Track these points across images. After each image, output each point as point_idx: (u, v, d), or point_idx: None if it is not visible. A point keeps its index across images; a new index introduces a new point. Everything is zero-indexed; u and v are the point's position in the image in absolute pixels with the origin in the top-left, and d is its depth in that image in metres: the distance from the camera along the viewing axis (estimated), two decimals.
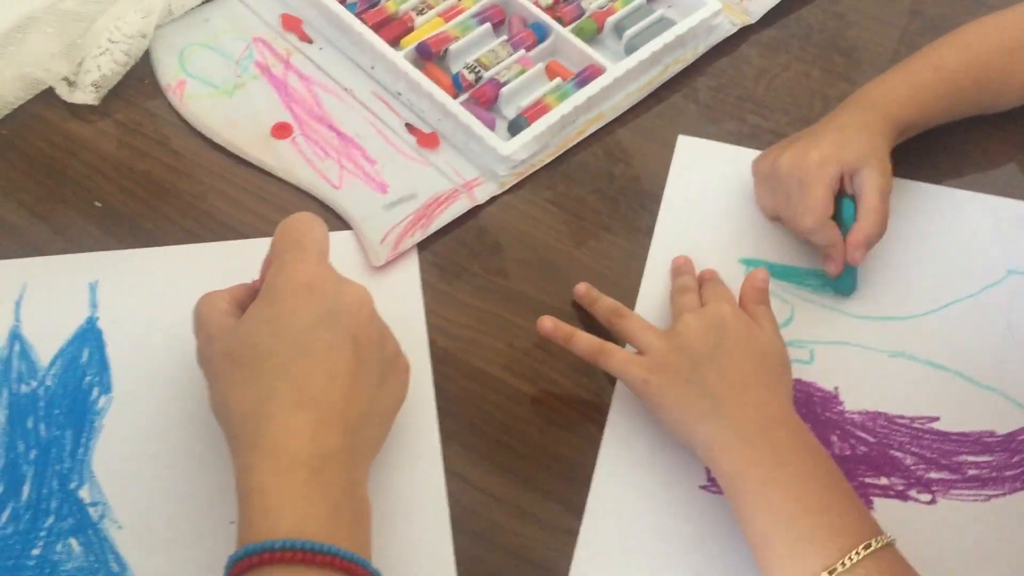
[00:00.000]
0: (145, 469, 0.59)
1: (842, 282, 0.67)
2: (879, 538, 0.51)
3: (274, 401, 0.50)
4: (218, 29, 0.80)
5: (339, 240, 0.60)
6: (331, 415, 0.50)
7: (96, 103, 0.75)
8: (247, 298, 0.55)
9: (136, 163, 0.73)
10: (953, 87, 0.70)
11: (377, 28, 0.78)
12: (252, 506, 0.48)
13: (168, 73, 0.77)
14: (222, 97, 0.76)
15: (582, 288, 0.66)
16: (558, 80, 0.76)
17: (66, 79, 0.75)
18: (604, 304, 0.65)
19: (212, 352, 0.54)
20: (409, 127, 0.75)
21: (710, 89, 0.79)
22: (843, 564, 0.50)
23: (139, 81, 0.77)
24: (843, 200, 0.65)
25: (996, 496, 0.59)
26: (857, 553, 0.50)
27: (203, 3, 0.81)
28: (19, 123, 0.75)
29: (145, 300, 0.66)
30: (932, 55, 0.71)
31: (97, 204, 0.71)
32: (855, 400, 0.63)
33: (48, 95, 0.75)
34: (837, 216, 0.65)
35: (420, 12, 0.80)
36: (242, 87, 0.77)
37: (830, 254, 0.66)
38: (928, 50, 0.71)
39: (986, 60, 0.70)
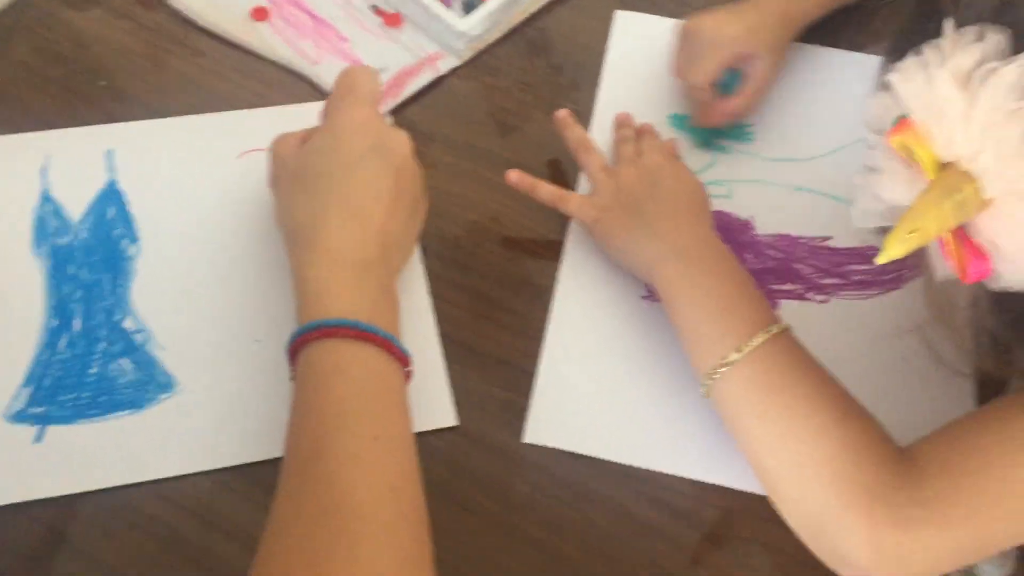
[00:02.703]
0: (177, 302, 0.70)
1: (697, 132, 0.79)
2: (778, 325, 0.64)
3: (327, 212, 0.61)
4: None
5: (320, 109, 0.71)
6: (372, 230, 0.62)
7: None
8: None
9: (132, 45, 0.81)
10: None
11: None
12: (308, 293, 0.59)
13: None
14: None
15: (563, 112, 0.76)
16: None
17: None
18: (576, 134, 0.76)
19: (282, 173, 0.66)
20: (375, 9, 0.84)
21: None
22: (748, 345, 0.63)
23: None
24: (734, 73, 0.78)
25: (874, 295, 0.74)
26: (759, 336, 0.64)
27: None
28: (20, 13, 0.82)
29: (159, 164, 0.75)
30: None
31: (102, 83, 0.79)
32: (765, 226, 0.76)
33: None
34: (720, 81, 0.78)
35: None
36: None
37: (701, 110, 0.79)
38: None
39: None
